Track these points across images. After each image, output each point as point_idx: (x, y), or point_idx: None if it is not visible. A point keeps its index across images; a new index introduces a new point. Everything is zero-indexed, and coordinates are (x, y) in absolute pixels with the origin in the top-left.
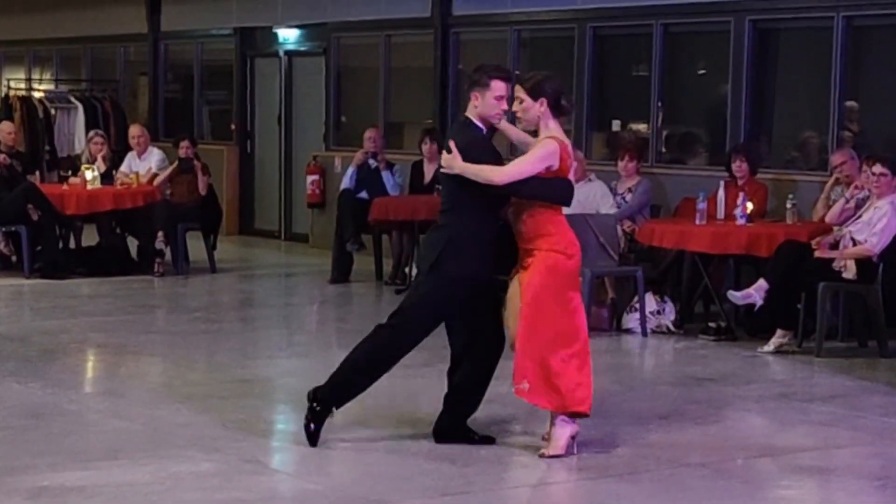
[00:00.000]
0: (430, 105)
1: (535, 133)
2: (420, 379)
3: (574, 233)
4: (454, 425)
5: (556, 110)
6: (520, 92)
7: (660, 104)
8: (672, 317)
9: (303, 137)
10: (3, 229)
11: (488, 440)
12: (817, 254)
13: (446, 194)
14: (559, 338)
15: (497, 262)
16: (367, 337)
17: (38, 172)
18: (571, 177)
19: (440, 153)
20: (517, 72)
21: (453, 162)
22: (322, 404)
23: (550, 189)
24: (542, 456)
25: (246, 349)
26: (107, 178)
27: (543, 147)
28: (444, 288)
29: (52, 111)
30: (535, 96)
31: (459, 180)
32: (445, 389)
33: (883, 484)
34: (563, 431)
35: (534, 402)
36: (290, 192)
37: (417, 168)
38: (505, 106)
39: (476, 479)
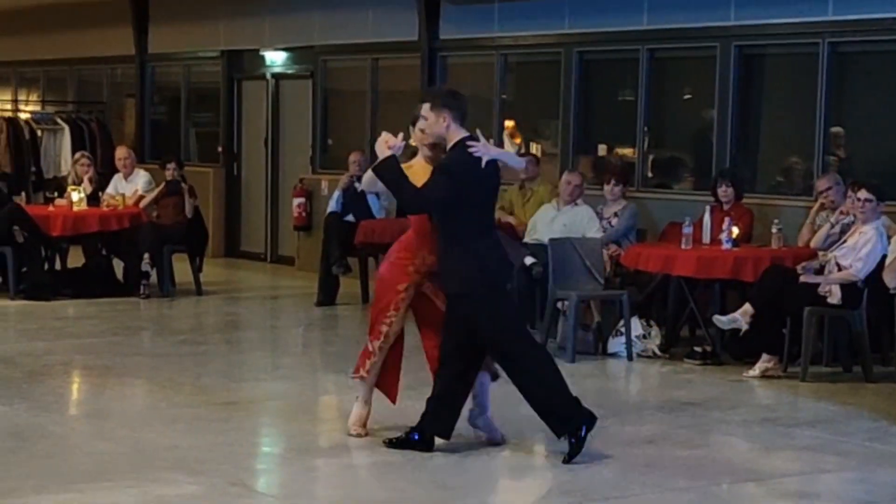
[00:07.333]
0: None
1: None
2: (405, 402)
3: (560, 256)
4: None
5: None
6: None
7: (646, 129)
8: (658, 341)
9: (289, 160)
10: None
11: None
12: (802, 279)
13: (489, 211)
14: None
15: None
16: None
17: (23, 194)
18: None
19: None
20: (503, 96)
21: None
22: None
23: None
24: None
25: (231, 372)
26: (93, 199)
27: None
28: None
29: (39, 132)
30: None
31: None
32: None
33: None
34: None
35: None
36: (277, 215)
37: None
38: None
39: (461, 502)
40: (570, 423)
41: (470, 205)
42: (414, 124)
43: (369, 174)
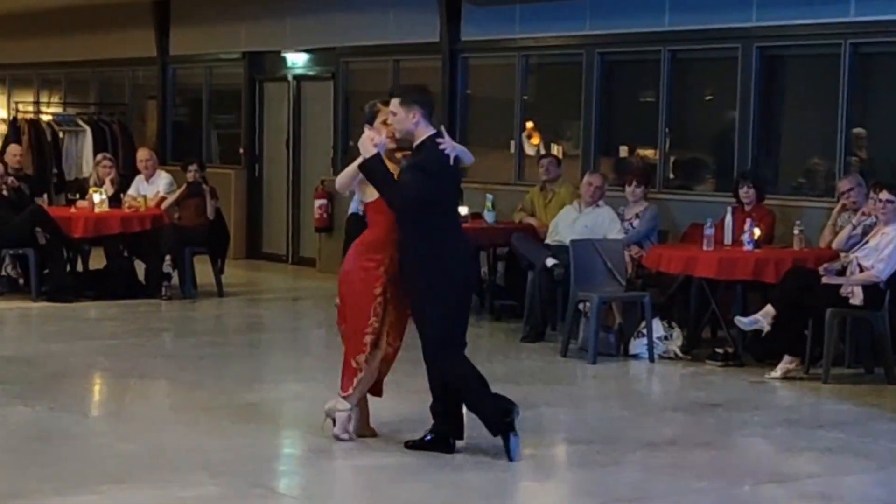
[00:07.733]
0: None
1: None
2: (426, 403)
3: (581, 257)
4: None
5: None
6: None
7: (667, 130)
8: (679, 342)
9: (311, 162)
10: (11, 252)
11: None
12: (824, 280)
13: (457, 208)
14: None
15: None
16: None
17: (45, 195)
18: None
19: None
20: (525, 97)
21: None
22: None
23: None
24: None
25: (253, 373)
26: (115, 201)
27: None
28: None
29: (61, 134)
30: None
31: None
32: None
33: None
34: None
35: None
36: (298, 216)
37: None
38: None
39: None
40: (501, 419)
41: (443, 202)
42: (370, 123)
43: (350, 171)
